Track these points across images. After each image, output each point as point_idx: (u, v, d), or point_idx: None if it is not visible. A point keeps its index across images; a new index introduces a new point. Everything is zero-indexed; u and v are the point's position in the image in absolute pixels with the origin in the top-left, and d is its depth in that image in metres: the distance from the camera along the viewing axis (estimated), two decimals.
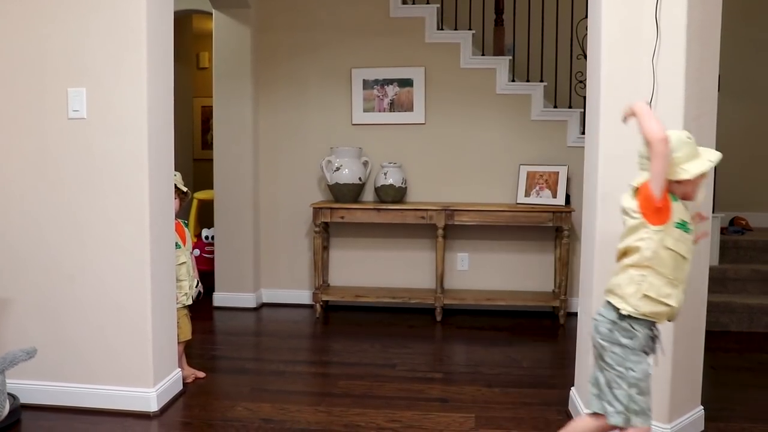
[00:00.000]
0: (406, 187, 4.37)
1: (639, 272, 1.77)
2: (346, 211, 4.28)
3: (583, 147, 2.70)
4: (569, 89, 4.47)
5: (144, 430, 2.56)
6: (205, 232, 5.36)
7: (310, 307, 4.53)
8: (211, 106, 4.66)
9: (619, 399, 1.78)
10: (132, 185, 2.64)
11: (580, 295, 2.66)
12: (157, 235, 2.70)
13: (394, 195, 4.30)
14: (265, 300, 4.72)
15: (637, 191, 1.79)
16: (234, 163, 4.53)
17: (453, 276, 4.54)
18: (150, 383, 2.70)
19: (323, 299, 4.39)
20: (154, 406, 2.69)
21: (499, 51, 4.58)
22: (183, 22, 6.01)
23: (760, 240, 4.41)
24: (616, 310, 1.80)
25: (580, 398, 2.55)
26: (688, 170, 1.74)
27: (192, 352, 3.35)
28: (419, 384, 3.07)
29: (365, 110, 4.53)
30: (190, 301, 3.08)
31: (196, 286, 3.11)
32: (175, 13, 2.91)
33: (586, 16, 2.73)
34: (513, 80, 4.51)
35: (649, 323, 1.81)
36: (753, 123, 5.25)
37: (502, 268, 4.50)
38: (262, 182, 4.68)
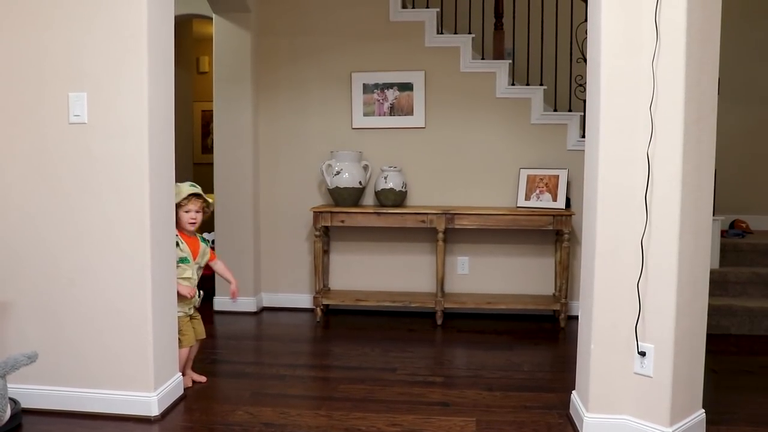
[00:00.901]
0: (406, 191, 4.37)
1: None
2: (346, 215, 4.28)
3: (583, 150, 2.70)
4: (569, 93, 4.49)
5: None
6: (205, 236, 5.34)
7: (311, 311, 4.54)
8: (212, 111, 4.67)
9: None
10: (132, 189, 2.64)
11: (581, 299, 2.66)
12: (157, 239, 2.70)
13: (395, 199, 4.31)
14: (265, 304, 4.72)
15: None
16: (234, 167, 4.53)
17: (453, 280, 4.54)
18: (151, 387, 2.69)
19: (324, 303, 4.38)
20: (155, 411, 2.68)
21: (498, 55, 4.58)
22: (183, 26, 6.03)
23: (761, 243, 4.41)
24: None
25: (581, 402, 2.55)
26: None
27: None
28: (420, 388, 3.06)
29: (365, 114, 4.54)
30: (192, 311, 3.09)
31: (198, 296, 3.11)
32: (175, 17, 2.92)
33: (586, 20, 2.74)
34: (513, 84, 4.52)
35: None
36: (753, 125, 5.26)
37: (503, 271, 4.50)
38: (262, 186, 4.69)
